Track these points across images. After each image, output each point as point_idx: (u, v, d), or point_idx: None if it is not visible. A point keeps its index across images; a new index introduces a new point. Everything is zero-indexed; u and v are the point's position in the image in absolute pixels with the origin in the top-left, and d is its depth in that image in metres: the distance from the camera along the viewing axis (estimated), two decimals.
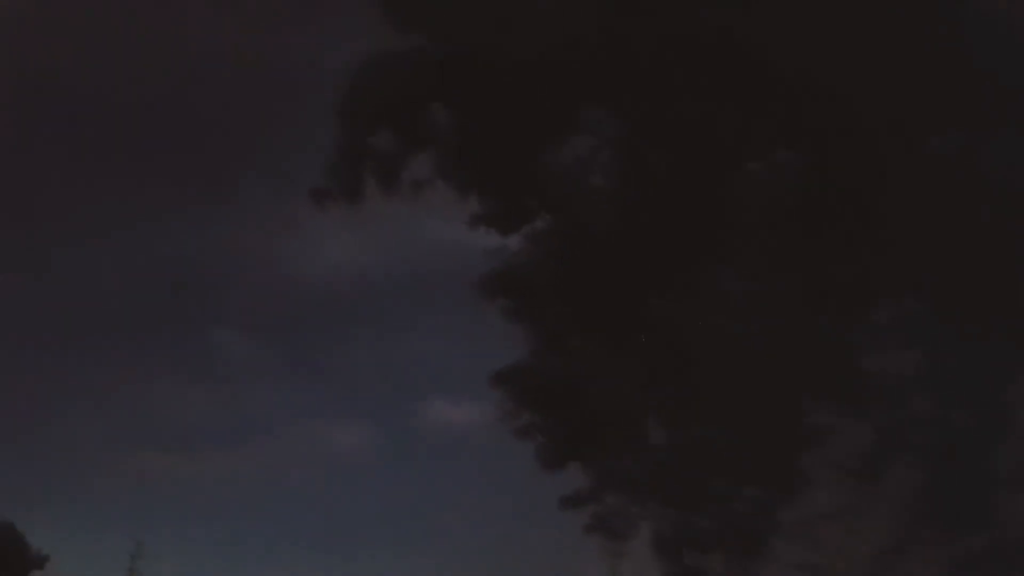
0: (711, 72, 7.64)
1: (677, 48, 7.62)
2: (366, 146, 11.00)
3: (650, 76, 7.95)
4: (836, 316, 7.71)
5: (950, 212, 7.29)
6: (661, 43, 7.62)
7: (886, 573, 7.65)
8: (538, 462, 8.94)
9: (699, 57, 7.67)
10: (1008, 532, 7.38)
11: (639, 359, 8.36)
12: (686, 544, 8.63)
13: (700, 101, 7.76)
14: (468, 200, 9.68)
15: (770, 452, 8.23)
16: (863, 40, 7.17)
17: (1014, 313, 7.01)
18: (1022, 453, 7.14)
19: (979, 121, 7.24)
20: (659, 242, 7.83)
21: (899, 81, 7.26)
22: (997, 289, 7.11)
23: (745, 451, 8.26)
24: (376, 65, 10.21)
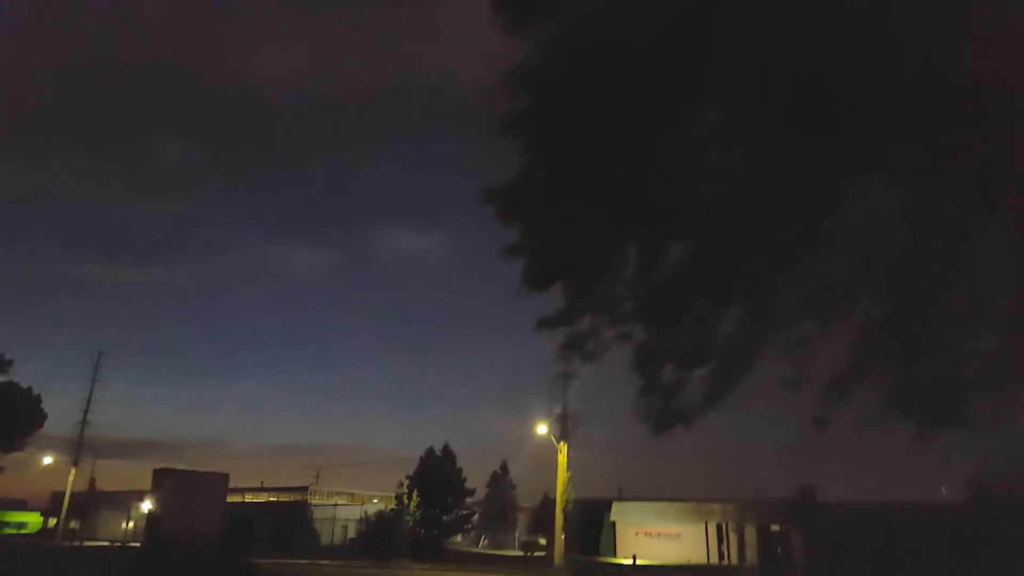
0: None
1: None
2: None
3: None
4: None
5: None
6: None
7: (840, 394, 8.17)
8: (524, 282, 9.24)
9: None
10: (952, 368, 7.82)
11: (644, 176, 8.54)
12: (668, 359, 9.04)
13: None
14: None
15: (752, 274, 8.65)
16: None
17: None
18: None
19: None
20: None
21: None
22: None
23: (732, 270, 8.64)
24: None
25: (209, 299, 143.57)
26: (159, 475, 25.70)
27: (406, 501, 40.68)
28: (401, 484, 43.08)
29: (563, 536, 36.50)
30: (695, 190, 8.74)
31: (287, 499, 52.44)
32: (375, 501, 53.65)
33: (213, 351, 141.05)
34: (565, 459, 37.18)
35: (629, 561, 40.25)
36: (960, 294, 8.00)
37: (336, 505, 51.79)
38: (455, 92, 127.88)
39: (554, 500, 52.14)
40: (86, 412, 48.84)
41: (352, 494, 55.19)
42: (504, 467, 55.34)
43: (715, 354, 9.03)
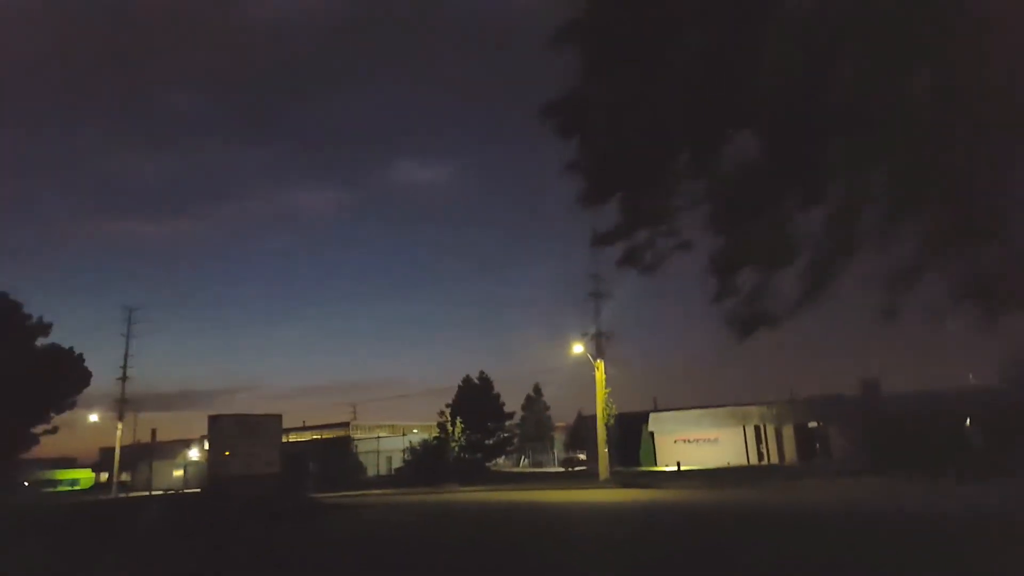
0: None
1: None
2: None
3: None
4: None
5: None
6: None
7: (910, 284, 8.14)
8: (581, 198, 9.07)
9: None
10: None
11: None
12: (747, 262, 8.84)
13: None
14: None
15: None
16: None
17: None
18: None
19: None
20: None
21: None
22: None
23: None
24: None
25: (233, 247, 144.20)
26: (214, 420, 26.22)
27: (450, 428, 41.51)
28: (442, 413, 43.90)
29: (606, 450, 37.25)
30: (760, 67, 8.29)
31: (330, 435, 53.73)
32: (415, 431, 54.94)
33: (243, 298, 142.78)
34: (603, 376, 37.59)
35: (670, 468, 41.18)
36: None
37: (379, 438, 53.06)
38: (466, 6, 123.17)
39: (588, 417, 53.20)
40: (124, 368, 49.74)
41: (392, 426, 56.46)
42: (537, 389, 56.24)
43: (800, 252, 8.77)
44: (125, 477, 55.62)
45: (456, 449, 41.35)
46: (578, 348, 37.81)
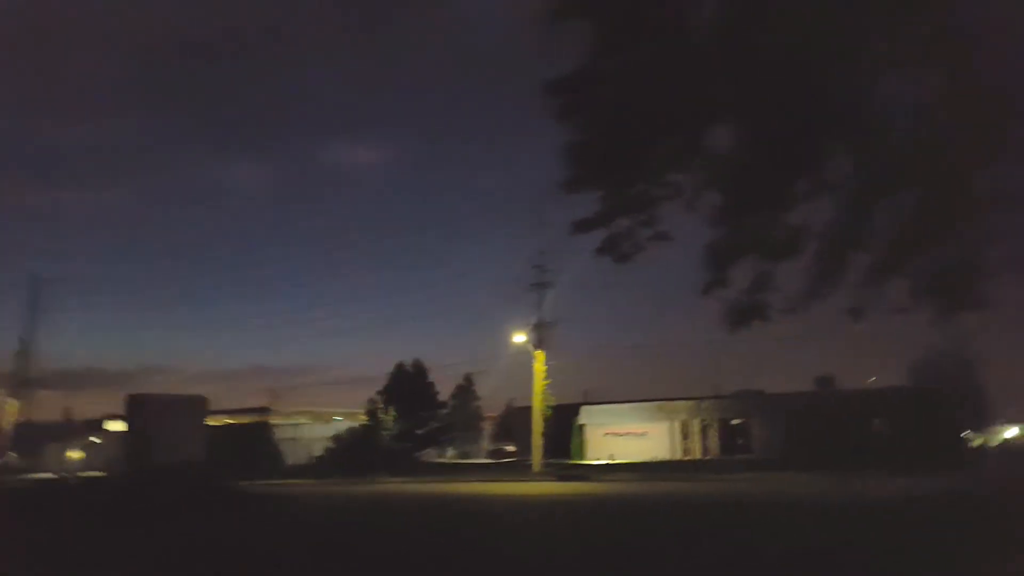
0: None
1: None
2: None
3: None
4: None
5: None
6: None
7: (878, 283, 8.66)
8: (565, 184, 9.01)
9: None
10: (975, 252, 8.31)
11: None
12: (750, 252, 8.66)
13: None
14: None
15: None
16: None
17: None
18: None
19: None
20: None
21: None
22: None
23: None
24: None
25: (146, 221, 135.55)
26: (135, 401, 24.16)
27: (381, 416, 40.14)
28: (373, 400, 42.48)
29: (541, 442, 36.95)
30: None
31: (247, 420, 51.15)
32: (338, 419, 53.06)
33: (159, 275, 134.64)
34: (543, 367, 37.21)
35: (600, 461, 41.34)
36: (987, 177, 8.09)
37: (298, 424, 50.91)
38: None
39: (520, 408, 52.89)
40: (25, 341, 45.66)
41: (313, 412, 54.35)
42: (468, 379, 55.47)
43: (807, 245, 8.65)
44: (12, 456, 51.29)
45: (388, 438, 40.04)
46: (520, 338, 37.32)
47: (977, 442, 44.85)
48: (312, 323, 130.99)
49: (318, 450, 47.10)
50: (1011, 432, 53.67)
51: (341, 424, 48.60)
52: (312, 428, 51.41)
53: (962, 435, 40.90)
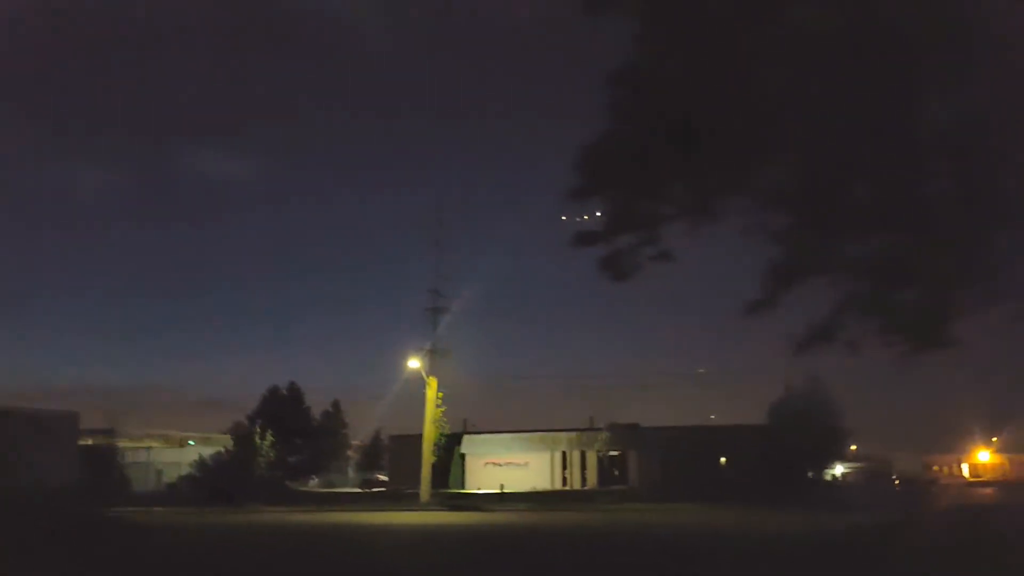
0: None
1: None
2: None
3: None
4: None
5: None
6: None
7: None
8: (572, 194, 9.65)
9: None
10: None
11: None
12: (819, 271, 8.96)
13: None
14: None
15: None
16: None
17: None
18: None
19: None
20: None
21: None
22: None
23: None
24: None
25: None
26: None
27: (257, 441, 37.29)
28: (241, 425, 39.49)
29: (429, 472, 36.02)
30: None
31: (89, 442, 45.63)
32: (192, 443, 48.74)
33: None
34: (435, 394, 36.42)
35: (483, 491, 40.92)
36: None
37: (150, 448, 46.24)
38: None
39: (395, 437, 51.33)
40: None
41: (166, 436, 49.62)
42: (336, 405, 52.99)
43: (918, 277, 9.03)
44: None
45: (264, 464, 37.24)
46: (414, 363, 36.34)
47: (828, 476, 49.24)
48: (159, 340, 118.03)
49: (171, 476, 42.99)
50: (838, 470, 59.10)
51: (195, 449, 44.72)
52: (164, 452, 46.82)
53: (806, 473, 44.53)
